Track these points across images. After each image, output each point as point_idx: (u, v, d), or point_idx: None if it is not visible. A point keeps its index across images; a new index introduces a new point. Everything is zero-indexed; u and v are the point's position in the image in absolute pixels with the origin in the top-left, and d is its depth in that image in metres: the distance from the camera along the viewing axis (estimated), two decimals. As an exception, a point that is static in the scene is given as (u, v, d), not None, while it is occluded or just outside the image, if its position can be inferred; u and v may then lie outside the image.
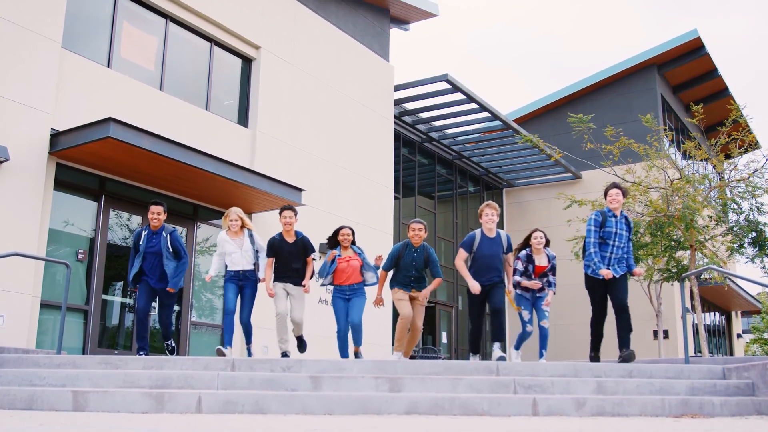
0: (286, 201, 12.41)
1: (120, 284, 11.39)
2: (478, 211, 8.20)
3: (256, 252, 8.58)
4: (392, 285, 8.44)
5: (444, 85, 18.04)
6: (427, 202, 21.02)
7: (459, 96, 18.58)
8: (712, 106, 22.08)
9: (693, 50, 24.45)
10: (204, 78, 13.14)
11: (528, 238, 8.57)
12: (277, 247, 8.48)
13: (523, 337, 8.54)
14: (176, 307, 12.05)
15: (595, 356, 8.22)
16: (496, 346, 7.91)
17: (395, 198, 18.59)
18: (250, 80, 13.95)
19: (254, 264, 8.54)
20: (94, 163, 10.74)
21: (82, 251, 10.67)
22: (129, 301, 11.44)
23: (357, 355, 8.58)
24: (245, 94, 13.87)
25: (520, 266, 8.39)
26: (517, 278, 8.34)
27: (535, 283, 8.26)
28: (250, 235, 8.61)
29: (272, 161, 13.55)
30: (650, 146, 15.65)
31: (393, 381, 5.99)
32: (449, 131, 21.13)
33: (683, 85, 26.16)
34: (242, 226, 8.62)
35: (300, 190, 12.76)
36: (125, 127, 9.91)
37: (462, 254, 8.14)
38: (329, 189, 14.98)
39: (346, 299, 8.50)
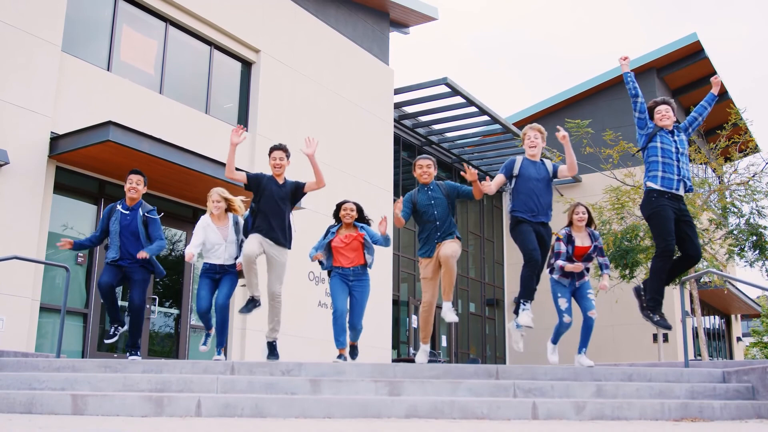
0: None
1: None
2: (521, 136, 7.12)
3: (241, 243, 7.33)
4: (419, 254, 7.23)
5: (443, 89, 18.05)
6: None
7: (458, 99, 18.59)
8: (712, 110, 22.06)
9: (692, 54, 24.46)
10: (204, 81, 13.15)
11: (571, 214, 7.42)
12: (263, 183, 6.94)
13: (560, 329, 7.33)
14: (175, 311, 12.05)
15: (660, 316, 6.76)
16: (527, 306, 6.81)
17: (394, 201, 18.58)
18: (250, 83, 13.96)
19: (236, 259, 7.35)
20: (93, 167, 10.74)
21: (81, 255, 10.67)
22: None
23: (353, 350, 7.63)
24: (245, 97, 13.88)
25: (562, 247, 7.22)
26: (560, 262, 7.15)
27: (577, 266, 7.06)
28: (236, 224, 7.38)
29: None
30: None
31: (392, 384, 5.99)
32: (449, 135, 21.14)
33: (683, 88, 26.18)
34: (228, 210, 7.39)
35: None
36: (125, 131, 9.92)
37: (498, 179, 6.89)
38: (329, 192, 14.96)
39: (347, 283, 7.40)
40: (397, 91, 18.30)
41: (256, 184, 6.93)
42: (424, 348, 7.36)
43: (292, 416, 5.42)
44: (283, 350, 12.97)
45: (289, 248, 7.18)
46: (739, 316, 33.62)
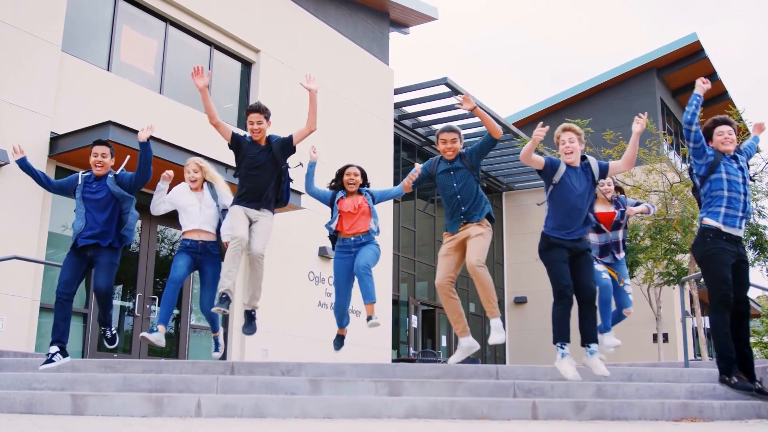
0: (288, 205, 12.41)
1: (119, 288, 11.38)
2: (555, 140, 5.97)
3: (222, 211, 6.67)
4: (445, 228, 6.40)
5: (443, 89, 18.06)
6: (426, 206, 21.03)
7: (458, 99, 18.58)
8: (712, 110, 22.08)
9: (692, 54, 24.48)
10: (204, 81, 13.14)
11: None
12: (243, 147, 6.33)
13: (604, 297, 6.52)
14: (175, 311, 12.05)
15: (739, 378, 5.65)
16: (593, 349, 5.77)
17: (395, 201, 18.58)
18: (250, 83, 13.96)
19: (217, 230, 6.61)
20: (93, 167, 10.74)
21: (81, 255, 10.66)
22: (129, 304, 11.44)
23: (370, 319, 6.68)
24: (245, 97, 13.88)
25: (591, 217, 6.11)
26: (591, 237, 6.22)
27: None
28: (211, 188, 6.73)
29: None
30: (649, 150, 15.66)
31: (392, 385, 5.99)
32: (449, 135, 21.13)
33: (683, 88, 26.19)
34: (205, 180, 6.78)
35: (300, 193, 12.76)
36: (125, 131, 9.92)
37: (538, 157, 5.81)
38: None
39: (351, 255, 6.74)
40: (397, 91, 18.30)
41: (236, 146, 6.33)
42: (463, 343, 6.31)
43: (292, 416, 5.42)
44: (283, 350, 13.03)
45: (273, 212, 6.50)
46: (739, 316, 33.60)
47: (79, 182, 6.47)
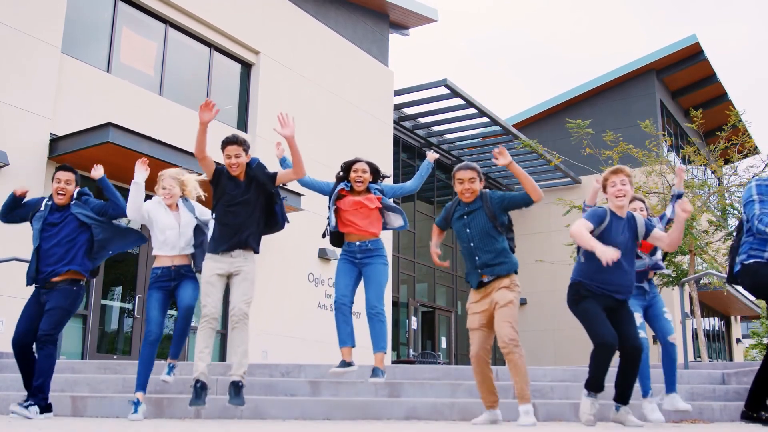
0: (286, 206, 12.38)
1: (119, 289, 11.38)
2: (602, 182, 5.27)
3: (200, 229, 5.71)
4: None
5: (443, 90, 18.06)
6: (426, 207, 21.04)
7: (458, 101, 18.60)
8: (711, 111, 22.11)
9: (692, 55, 24.50)
10: (203, 83, 13.15)
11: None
12: (221, 183, 5.37)
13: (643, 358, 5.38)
14: (174, 311, 12.03)
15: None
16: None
17: (394, 202, 18.57)
18: (250, 85, 13.97)
19: (193, 251, 5.63)
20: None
21: (81, 256, 10.66)
22: (128, 305, 11.44)
23: (375, 371, 5.43)
24: (245, 99, 13.88)
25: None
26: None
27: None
28: (186, 201, 5.79)
29: (272, 166, 13.50)
30: (649, 152, 15.67)
31: (392, 386, 5.99)
32: (448, 136, 21.16)
33: (682, 90, 26.21)
34: (182, 196, 5.82)
35: (299, 195, 12.77)
36: (125, 132, 9.92)
37: (586, 224, 4.97)
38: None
39: (355, 263, 5.65)
40: (397, 93, 18.31)
41: (216, 181, 5.38)
42: (494, 416, 5.19)
43: (292, 418, 5.42)
44: (283, 351, 13.02)
45: (257, 251, 5.42)
46: (738, 317, 33.64)
47: (46, 202, 5.59)
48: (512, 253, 5.25)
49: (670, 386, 5.54)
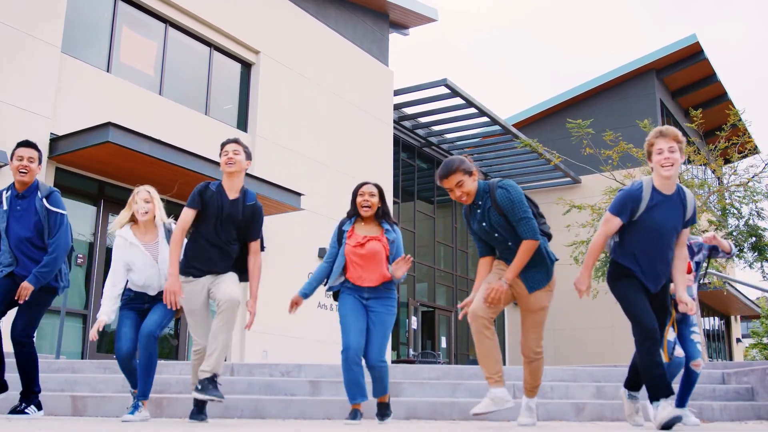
0: (286, 206, 12.42)
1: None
2: (645, 147, 4.43)
3: None
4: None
5: (443, 90, 18.06)
6: (426, 207, 21.03)
7: (458, 101, 18.59)
8: (711, 111, 22.11)
9: (692, 55, 24.50)
10: (203, 83, 13.15)
11: None
12: (206, 200, 4.76)
13: (672, 371, 4.90)
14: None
15: None
16: (663, 404, 4.10)
17: (394, 203, 18.59)
18: (250, 85, 13.97)
19: None
20: (93, 168, 10.74)
21: (81, 255, 10.66)
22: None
23: (381, 411, 4.94)
24: (244, 98, 13.88)
25: None
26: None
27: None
28: (168, 233, 5.06)
29: (271, 166, 13.55)
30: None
31: (392, 386, 5.98)
32: (448, 136, 21.15)
33: (682, 89, 26.21)
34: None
35: (299, 194, 12.76)
36: (124, 132, 9.92)
37: (611, 223, 4.29)
38: (329, 194, 14.98)
39: (362, 301, 4.84)
40: (397, 93, 18.30)
41: (200, 198, 4.78)
42: (498, 393, 4.37)
43: (292, 417, 5.42)
44: (283, 351, 13.03)
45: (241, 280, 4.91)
46: (738, 317, 33.63)
47: (5, 194, 5.03)
48: (548, 243, 4.49)
49: (681, 402, 5.21)
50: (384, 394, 4.88)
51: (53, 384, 6.13)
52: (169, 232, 5.06)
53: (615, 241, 4.40)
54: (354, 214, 5.04)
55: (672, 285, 4.43)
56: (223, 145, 4.91)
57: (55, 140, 10.18)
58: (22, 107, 9.90)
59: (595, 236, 4.36)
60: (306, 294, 4.92)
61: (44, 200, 5.00)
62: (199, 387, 4.49)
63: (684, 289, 4.33)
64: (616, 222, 4.25)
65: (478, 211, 4.45)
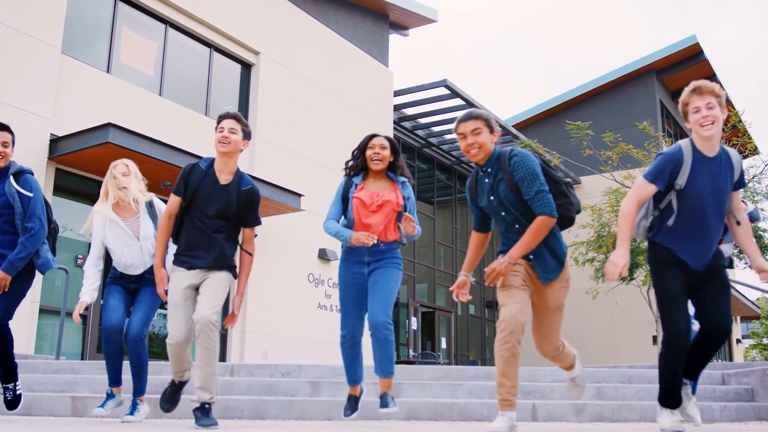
0: (285, 206, 12.42)
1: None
2: (680, 107, 3.99)
3: None
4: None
5: (443, 91, 18.07)
6: (426, 208, 21.03)
7: (458, 101, 18.60)
8: (711, 112, 22.10)
9: (692, 56, 24.53)
10: (203, 83, 13.15)
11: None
12: (194, 183, 4.40)
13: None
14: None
15: None
16: (669, 412, 3.85)
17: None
18: (250, 86, 13.97)
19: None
20: (93, 169, 10.74)
21: (81, 256, 10.66)
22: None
23: (384, 400, 4.47)
24: (244, 99, 13.89)
25: None
26: None
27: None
28: (150, 207, 4.95)
29: (271, 166, 13.55)
30: (648, 152, 15.69)
31: (392, 387, 5.98)
32: (448, 136, 21.15)
33: (682, 90, 26.17)
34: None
35: (299, 195, 12.76)
36: (125, 133, 9.92)
37: (643, 189, 3.82)
38: (329, 194, 14.93)
39: (364, 273, 4.53)
40: (397, 93, 18.31)
41: (184, 184, 4.44)
42: (502, 417, 3.75)
43: (292, 418, 5.42)
44: (283, 352, 13.02)
45: (234, 276, 4.48)
46: (738, 317, 33.65)
47: None
48: (559, 230, 3.97)
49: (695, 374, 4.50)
50: (389, 373, 4.41)
51: (53, 385, 6.13)
52: (150, 206, 4.92)
53: (654, 216, 3.88)
54: (361, 169, 4.60)
55: (725, 255, 3.93)
56: (220, 119, 4.51)
57: (55, 141, 10.18)
58: (22, 108, 9.90)
59: (625, 201, 3.82)
60: (345, 238, 4.46)
61: (13, 182, 4.86)
62: (195, 417, 4.21)
63: (760, 256, 3.84)
64: (651, 189, 3.77)
65: (486, 180, 3.91)
